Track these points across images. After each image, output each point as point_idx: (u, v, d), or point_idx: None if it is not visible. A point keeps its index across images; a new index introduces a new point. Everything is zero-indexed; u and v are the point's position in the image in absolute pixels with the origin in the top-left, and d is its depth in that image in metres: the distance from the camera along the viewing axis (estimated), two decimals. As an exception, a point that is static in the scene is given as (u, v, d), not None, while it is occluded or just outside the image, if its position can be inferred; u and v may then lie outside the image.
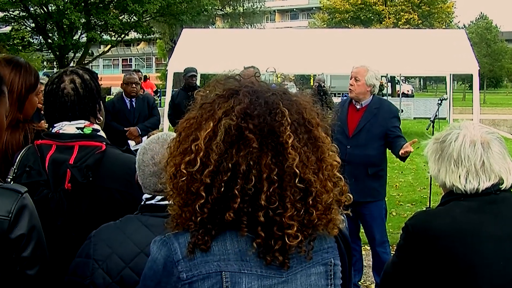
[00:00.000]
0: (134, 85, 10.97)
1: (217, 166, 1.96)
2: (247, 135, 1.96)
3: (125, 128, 10.73)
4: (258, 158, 1.96)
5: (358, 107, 7.33)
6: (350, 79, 7.33)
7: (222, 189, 1.95)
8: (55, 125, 3.46)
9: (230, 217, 1.95)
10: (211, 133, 1.98)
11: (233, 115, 1.98)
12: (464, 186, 3.07)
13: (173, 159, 2.08)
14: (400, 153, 6.78)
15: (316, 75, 20.33)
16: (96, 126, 3.51)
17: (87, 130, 3.44)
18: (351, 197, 2.19)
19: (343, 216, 2.22)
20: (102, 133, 3.53)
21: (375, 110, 7.24)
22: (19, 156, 3.44)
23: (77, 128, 3.43)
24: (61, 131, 3.42)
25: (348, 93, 7.49)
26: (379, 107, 7.27)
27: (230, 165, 1.95)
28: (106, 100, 14.93)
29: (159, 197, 2.84)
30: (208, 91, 2.13)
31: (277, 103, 2.04)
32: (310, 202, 2.03)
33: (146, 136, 9.51)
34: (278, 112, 2.01)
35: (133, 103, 11.05)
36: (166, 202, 2.69)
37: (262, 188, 1.95)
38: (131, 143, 10.49)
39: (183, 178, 2.00)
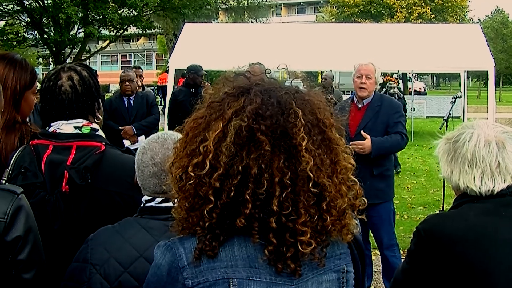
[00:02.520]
0: (127, 83, 10.91)
1: (227, 169, 1.94)
2: (258, 137, 1.94)
3: (120, 127, 10.72)
4: (270, 161, 1.94)
5: (360, 106, 7.36)
6: (359, 77, 7.32)
7: (232, 193, 1.93)
8: (52, 124, 3.43)
9: (241, 223, 1.94)
10: (221, 134, 1.96)
11: (244, 115, 1.96)
12: (479, 188, 3.06)
13: (179, 160, 2.06)
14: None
15: (323, 72, 20.30)
16: (95, 126, 3.49)
17: (86, 130, 3.42)
18: (366, 201, 2.17)
19: (357, 221, 2.21)
20: (101, 133, 3.50)
21: (376, 107, 7.27)
22: (14, 156, 3.41)
23: (75, 128, 3.41)
24: (58, 131, 3.40)
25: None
26: (380, 104, 7.30)
27: (240, 168, 1.93)
28: (105, 98, 14.95)
29: (159, 199, 2.84)
30: (216, 89, 2.11)
31: (290, 102, 2.02)
32: (324, 207, 2.01)
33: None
34: (291, 113, 2.00)
35: (131, 101, 11.02)
36: (167, 204, 2.71)
37: (274, 192, 1.93)
38: (126, 142, 10.46)
39: (191, 182, 1.99)
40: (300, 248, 1.98)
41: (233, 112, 1.98)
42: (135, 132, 10.70)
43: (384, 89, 15.88)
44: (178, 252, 2.02)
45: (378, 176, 7.15)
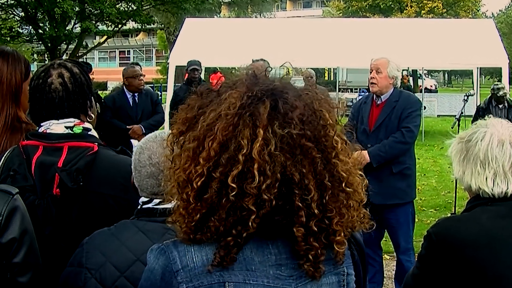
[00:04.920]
0: (141, 77, 11.09)
1: (271, 177, 1.93)
2: (305, 143, 1.95)
3: (127, 126, 10.71)
4: (312, 165, 1.96)
5: (378, 102, 7.35)
6: (370, 72, 7.33)
7: (274, 202, 1.93)
8: (42, 124, 3.38)
9: (299, 233, 1.96)
10: (262, 142, 1.93)
11: (287, 121, 1.96)
12: (492, 190, 3.06)
13: (211, 171, 1.98)
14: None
15: (330, 68, 20.38)
16: (87, 125, 3.44)
17: (77, 130, 3.37)
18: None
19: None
20: (94, 133, 3.46)
21: (394, 103, 7.26)
22: (3, 158, 3.36)
23: (66, 127, 3.36)
24: (48, 131, 3.35)
25: (366, 89, 7.48)
26: (398, 100, 7.28)
27: (284, 175, 1.94)
28: (102, 95, 14.96)
29: (157, 200, 2.81)
30: (237, 93, 2.05)
31: (315, 104, 2.05)
32: (351, 204, 2.06)
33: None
34: (322, 116, 2.03)
35: (136, 99, 11.07)
36: (165, 206, 2.68)
37: (314, 196, 1.95)
38: (134, 142, 10.44)
39: (233, 193, 1.94)
40: (336, 248, 2.04)
41: (268, 118, 1.96)
42: (144, 131, 10.65)
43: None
44: (172, 255, 2.01)
45: (398, 175, 7.17)
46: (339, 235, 2.02)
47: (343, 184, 2.02)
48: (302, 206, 1.94)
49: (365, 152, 6.95)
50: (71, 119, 3.38)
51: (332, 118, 2.05)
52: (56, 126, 3.36)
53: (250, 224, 1.94)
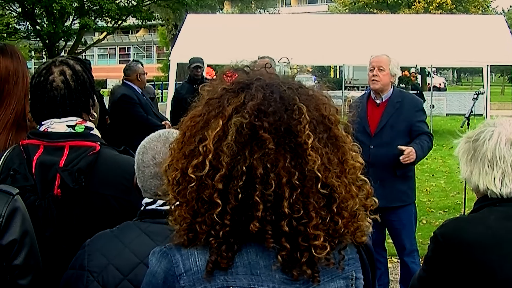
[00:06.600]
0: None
1: (230, 170, 1.93)
2: (261, 134, 1.93)
3: (162, 122, 10.87)
4: (275, 160, 1.93)
5: (378, 102, 7.33)
6: (372, 70, 7.30)
7: (240, 195, 1.92)
8: (43, 122, 3.36)
9: (255, 228, 1.92)
10: (221, 133, 1.95)
11: (245, 112, 1.95)
12: (500, 190, 3.06)
13: (176, 162, 2.04)
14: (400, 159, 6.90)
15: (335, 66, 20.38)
16: (89, 124, 3.42)
17: (79, 129, 3.36)
18: (377, 201, 2.16)
19: (369, 220, 2.18)
20: (96, 132, 3.44)
21: (397, 104, 7.25)
22: (3, 158, 3.35)
23: (68, 126, 3.34)
24: (49, 130, 3.34)
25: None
26: (401, 101, 7.28)
27: (244, 168, 1.92)
28: (105, 94, 15.01)
29: (160, 202, 2.79)
30: (214, 85, 2.10)
31: (293, 98, 2.01)
32: (335, 209, 2.00)
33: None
34: (295, 109, 1.99)
35: (144, 95, 11.31)
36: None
37: (283, 194, 1.92)
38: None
39: (192, 184, 1.97)
40: (314, 253, 1.97)
41: (233, 109, 1.97)
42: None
43: None
44: (174, 258, 2.01)
45: (401, 177, 7.18)
46: (318, 239, 1.96)
47: (318, 185, 1.97)
48: (260, 201, 1.91)
49: (412, 149, 6.95)
50: (73, 118, 3.37)
51: (311, 114, 2.01)
52: (58, 125, 3.35)
53: (220, 219, 1.94)
